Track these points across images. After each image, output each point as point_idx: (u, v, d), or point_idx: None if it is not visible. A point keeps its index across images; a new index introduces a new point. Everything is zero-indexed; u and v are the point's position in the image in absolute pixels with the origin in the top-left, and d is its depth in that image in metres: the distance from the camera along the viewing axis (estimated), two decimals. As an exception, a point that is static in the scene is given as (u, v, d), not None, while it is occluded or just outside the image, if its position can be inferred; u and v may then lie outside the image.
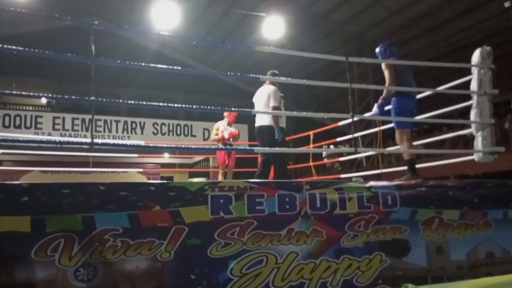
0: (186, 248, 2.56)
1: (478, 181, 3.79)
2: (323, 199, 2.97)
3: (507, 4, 10.01)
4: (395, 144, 4.81)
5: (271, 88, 5.06)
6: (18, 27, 15.05)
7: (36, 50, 2.91)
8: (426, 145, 8.86)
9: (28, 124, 13.63)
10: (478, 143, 4.23)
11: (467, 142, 9.49)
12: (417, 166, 4.71)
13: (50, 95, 7.07)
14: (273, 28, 12.38)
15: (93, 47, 2.98)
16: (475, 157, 4.35)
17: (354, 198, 3.05)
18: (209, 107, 3.72)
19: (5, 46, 2.84)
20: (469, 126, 4.49)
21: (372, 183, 3.23)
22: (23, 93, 3.09)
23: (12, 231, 2.26)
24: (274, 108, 4.92)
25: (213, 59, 18.25)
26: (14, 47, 2.88)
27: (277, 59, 16.10)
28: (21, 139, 3.35)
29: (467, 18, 12.53)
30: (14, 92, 3.28)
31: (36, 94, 3.30)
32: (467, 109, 4.45)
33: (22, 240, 2.27)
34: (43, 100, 16.48)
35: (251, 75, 4.17)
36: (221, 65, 18.10)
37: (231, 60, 17.96)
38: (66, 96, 4.49)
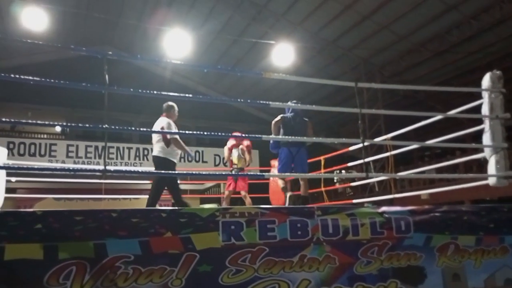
0: (197, 275, 2.53)
1: (494, 205, 3.72)
2: (335, 225, 2.93)
3: (515, 29, 10.05)
4: (407, 169, 4.78)
5: (166, 121, 5.32)
6: (34, 56, 15.55)
7: (52, 80, 2.99)
8: (439, 170, 8.76)
9: (42, 152, 13.83)
10: (492, 167, 4.17)
11: (481, 166, 9.37)
12: (431, 191, 4.65)
13: (64, 124, 7.19)
14: (283, 54, 12.56)
15: (106, 76, 3.05)
16: (489, 181, 4.28)
17: (367, 223, 3.01)
18: (220, 134, 3.76)
19: (22, 76, 2.93)
20: (482, 150, 4.45)
21: (384, 208, 3.19)
22: (39, 122, 3.15)
23: (25, 259, 2.26)
24: (174, 140, 5.21)
25: (223, 86, 18.51)
26: (30, 77, 2.96)
27: (286, 84, 16.28)
28: (35, 167, 3.40)
29: (475, 42, 12.58)
30: (29, 121, 3.35)
31: (50, 123, 3.37)
32: (480, 132, 4.42)
33: (35, 268, 2.27)
34: (58, 128, 16.77)
35: (261, 101, 4.21)
36: (231, 92, 18.33)
37: (241, 86, 18.19)
38: (80, 124, 4.58)
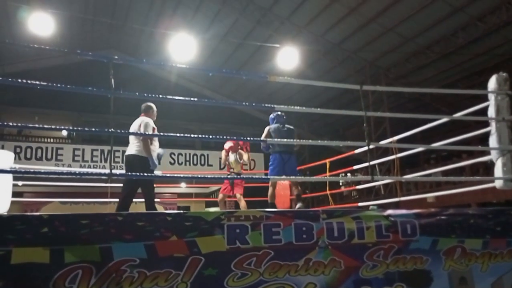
0: (203, 279, 2.53)
1: (501, 208, 3.68)
2: (340, 228, 2.92)
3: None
4: (413, 172, 4.77)
5: (145, 120, 5.07)
6: (41, 61, 15.68)
7: (58, 85, 3.01)
8: (445, 172, 8.72)
9: (49, 156, 13.93)
10: (499, 170, 4.14)
11: (488, 168, 9.30)
12: (437, 193, 4.63)
13: (70, 128, 7.23)
14: (287, 57, 12.57)
15: (112, 81, 3.07)
16: (496, 184, 4.25)
17: (372, 227, 3.00)
18: (225, 137, 3.77)
19: (29, 81, 2.95)
20: (488, 153, 4.42)
21: (390, 211, 3.17)
22: (45, 126, 3.18)
23: (32, 262, 2.28)
24: (144, 141, 4.88)
25: (228, 89, 18.55)
26: (37, 82, 2.98)
27: (291, 88, 16.30)
28: (42, 171, 3.43)
29: (482, 44, 12.51)
30: (36, 125, 3.38)
31: (57, 127, 3.39)
32: (487, 135, 4.40)
33: (41, 271, 2.28)
34: (64, 132, 16.89)
35: (266, 104, 4.21)
36: (236, 95, 18.37)
37: (246, 90, 18.22)
38: (86, 128, 4.61)
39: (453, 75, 14.56)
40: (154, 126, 5.13)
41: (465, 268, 3.15)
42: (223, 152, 6.95)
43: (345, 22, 12.77)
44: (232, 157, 6.82)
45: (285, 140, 5.41)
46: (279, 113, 5.88)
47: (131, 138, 5.09)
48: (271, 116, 5.97)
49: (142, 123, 5.04)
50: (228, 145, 6.87)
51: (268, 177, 5.80)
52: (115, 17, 14.51)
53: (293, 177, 5.55)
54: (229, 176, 6.81)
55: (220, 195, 6.85)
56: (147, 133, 4.91)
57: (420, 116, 4.39)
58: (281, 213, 2.95)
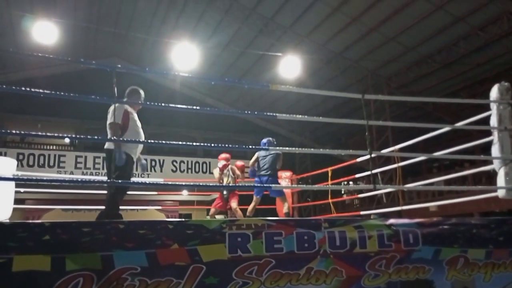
0: (204, 287, 2.53)
1: (503, 218, 3.67)
2: (342, 237, 2.91)
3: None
4: (415, 181, 4.76)
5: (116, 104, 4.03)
6: (44, 69, 15.77)
7: (62, 93, 3.03)
8: (448, 182, 8.69)
9: (51, 163, 13.96)
10: (501, 179, 4.12)
11: (491, 178, 9.27)
12: (440, 203, 4.62)
13: (73, 135, 7.26)
14: (289, 66, 12.61)
15: (115, 89, 3.09)
16: (498, 193, 4.24)
17: (374, 236, 2.99)
18: (228, 145, 3.78)
19: (32, 89, 2.97)
20: (491, 162, 4.41)
21: (392, 220, 3.16)
22: (48, 134, 3.19)
23: (33, 270, 2.27)
24: (110, 124, 3.98)
25: (230, 98, 18.61)
26: (41, 90, 3.00)
27: (293, 96, 16.33)
28: (44, 178, 3.44)
29: (484, 53, 12.54)
30: (39, 133, 3.40)
31: (59, 134, 3.40)
32: (489, 144, 4.39)
33: (42, 279, 2.28)
34: (66, 140, 16.94)
35: (268, 113, 4.23)
36: (238, 103, 18.42)
37: (248, 98, 18.27)
38: (89, 136, 4.61)
39: (455, 84, 14.57)
40: (130, 110, 4.16)
41: (468, 278, 3.13)
42: (217, 170, 6.97)
43: (347, 32, 12.83)
44: (225, 179, 6.92)
45: (281, 148, 5.50)
46: (270, 139, 6.42)
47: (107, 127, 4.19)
48: (263, 140, 6.45)
49: (111, 108, 3.99)
50: (221, 163, 6.92)
51: (269, 185, 5.85)
52: (118, 26, 14.61)
53: (303, 185, 5.54)
54: (225, 187, 6.89)
55: (212, 210, 6.85)
56: (119, 121, 4.01)
57: (422, 125, 4.39)
58: (282, 222, 2.94)
